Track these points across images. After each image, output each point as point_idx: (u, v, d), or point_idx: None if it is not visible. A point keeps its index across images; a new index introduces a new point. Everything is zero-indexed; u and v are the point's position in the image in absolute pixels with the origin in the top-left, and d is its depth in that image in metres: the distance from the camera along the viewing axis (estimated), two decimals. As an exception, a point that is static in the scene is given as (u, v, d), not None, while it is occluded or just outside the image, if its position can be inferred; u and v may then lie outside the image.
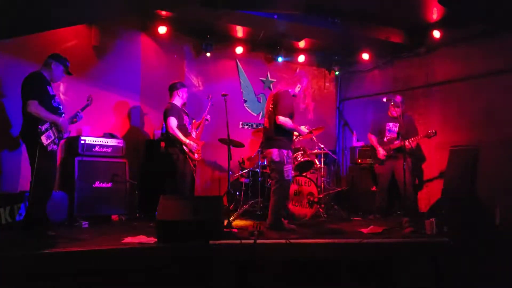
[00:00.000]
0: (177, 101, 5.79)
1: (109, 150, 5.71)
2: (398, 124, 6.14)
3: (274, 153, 5.03)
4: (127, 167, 5.81)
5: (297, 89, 5.31)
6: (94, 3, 3.93)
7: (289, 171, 5.04)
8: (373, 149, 6.40)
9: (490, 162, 5.97)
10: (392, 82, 7.66)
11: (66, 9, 4.03)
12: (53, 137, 4.34)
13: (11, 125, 5.11)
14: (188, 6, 5.54)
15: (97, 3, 3.95)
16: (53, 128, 4.35)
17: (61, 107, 4.51)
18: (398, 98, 6.01)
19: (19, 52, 5.24)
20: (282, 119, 4.97)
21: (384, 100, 5.84)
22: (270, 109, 5.18)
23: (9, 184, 5.13)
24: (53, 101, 4.42)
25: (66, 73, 4.66)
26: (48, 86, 4.42)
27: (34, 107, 4.19)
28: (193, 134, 5.87)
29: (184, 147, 5.58)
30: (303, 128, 5.31)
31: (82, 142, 5.46)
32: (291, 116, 5.06)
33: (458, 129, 6.50)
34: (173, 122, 5.56)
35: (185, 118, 5.79)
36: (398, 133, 6.16)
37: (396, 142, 6.10)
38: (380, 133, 6.35)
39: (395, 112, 6.02)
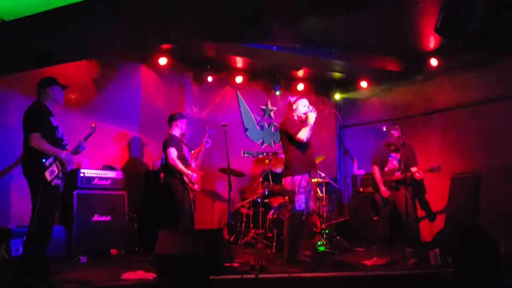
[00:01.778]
0: (176, 132, 5.80)
1: (108, 182, 5.67)
2: (398, 154, 6.10)
3: (287, 181, 5.00)
4: (126, 200, 5.77)
5: (298, 112, 5.17)
6: (98, 42, 3.97)
7: (301, 201, 4.88)
8: (374, 180, 6.33)
9: (492, 190, 5.91)
10: (391, 110, 7.67)
11: (70, 48, 4.07)
12: (56, 172, 4.14)
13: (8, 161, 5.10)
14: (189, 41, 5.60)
15: (101, 43, 3.99)
16: (56, 162, 4.15)
17: (64, 138, 4.34)
18: (395, 133, 5.96)
19: (19, 85, 5.26)
20: (300, 135, 4.92)
21: (384, 129, 5.84)
22: (280, 141, 5.22)
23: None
24: (56, 132, 4.24)
25: (63, 89, 4.42)
26: (50, 117, 4.23)
27: (37, 140, 4.01)
28: (193, 165, 5.85)
29: (185, 178, 5.56)
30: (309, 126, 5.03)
31: (81, 175, 5.43)
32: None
33: (459, 156, 6.46)
34: (173, 152, 5.56)
35: (185, 148, 5.80)
36: (399, 163, 6.11)
37: (398, 173, 6.04)
38: (382, 164, 6.30)
39: (395, 143, 6.02)
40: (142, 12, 3.60)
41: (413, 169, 5.88)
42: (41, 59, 4.38)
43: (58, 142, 4.24)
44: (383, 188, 6.13)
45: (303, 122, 5.09)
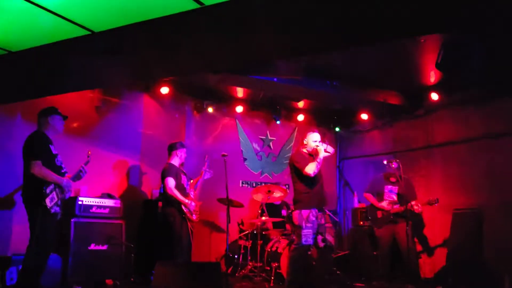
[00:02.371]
0: (175, 161, 5.79)
1: (106, 211, 5.60)
2: (397, 187, 6.06)
3: (295, 216, 4.99)
4: (124, 229, 5.68)
5: (308, 147, 5.14)
6: (101, 75, 4.02)
7: (308, 235, 4.83)
8: (371, 210, 6.26)
9: (495, 226, 5.86)
10: (392, 143, 7.68)
11: (73, 79, 4.11)
12: (56, 199, 4.19)
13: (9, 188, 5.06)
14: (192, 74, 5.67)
15: (104, 76, 4.03)
16: (56, 189, 4.22)
17: (63, 166, 4.42)
18: (395, 165, 5.94)
19: (21, 112, 5.27)
20: (307, 169, 4.92)
21: (385, 162, 5.83)
22: (290, 175, 5.23)
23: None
24: (56, 160, 4.33)
25: (64, 119, 4.52)
26: (50, 145, 4.33)
27: (38, 168, 4.09)
28: (191, 194, 5.81)
29: (183, 207, 5.51)
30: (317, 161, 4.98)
31: (80, 202, 5.37)
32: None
33: (460, 191, 6.43)
34: (171, 182, 5.53)
35: (183, 178, 5.77)
36: (398, 196, 6.06)
37: (396, 206, 5.99)
38: (378, 195, 6.25)
39: (394, 176, 5.99)
40: (146, 46, 3.64)
41: (413, 202, 5.83)
42: (45, 89, 4.42)
43: (58, 170, 4.31)
44: (384, 204, 6.05)
45: (313, 156, 5.06)
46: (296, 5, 3.11)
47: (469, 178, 6.37)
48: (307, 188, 5.00)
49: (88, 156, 4.80)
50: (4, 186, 5.04)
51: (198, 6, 3.22)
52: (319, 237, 5.14)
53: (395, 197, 6.10)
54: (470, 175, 6.37)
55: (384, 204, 6.06)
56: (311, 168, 4.91)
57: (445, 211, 6.39)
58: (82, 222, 5.34)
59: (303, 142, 5.25)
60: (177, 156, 5.82)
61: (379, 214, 6.13)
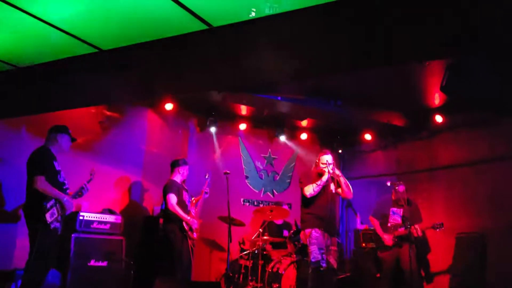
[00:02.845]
0: (177, 178, 5.78)
1: (107, 227, 5.57)
2: (402, 210, 6.02)
3: (301, 236, 5.04)
4: (124, 245, 5.64)
5: (324, 168, 5.02)
6: (106, 92, 4.04)
7: (314, 252, 4.76)
8: (376, 233, 6.23)
9: (498, 250, 5.81)
10: (395, 164, 7.65)
11: (78, 95, 4.14)
12: (56, 215, 4.23)
13: (6, 201, 5.03)
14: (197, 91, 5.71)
15: (109, 92, 4.05)
16: (57, 205, 4.25)
17: (66, 182, 4.46)
18: (401, 188, 5.90)
19: (26, 126, 5.29)
20: (306, 189, 4.94)
21: (388, 184, 5.80)
22: (292, 194, 5.22)
23: (1, 261, 4.96)
24: (59, 176, 4.38)
25: (72, 141, 4.63)
26: (54, 161, 4.39)
27: (41, 183, 4.14)
28: (192, 212, 5.78)
29: (184, 224, 5.48)
30: (318, 182, 4.94)
31: (81, 218, 5.35)
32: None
33: (463, 214, 6.38)
34: (172, 199, 5.51)
35: (185, 194, 5.75)
36: (402, 219, 6.01)
37: (401, 229, 5.93)
38: (383, 218, 6.20)
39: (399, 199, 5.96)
40: (153, 64, 3.66)
41: (416, 225, 5.78)
42: (51, 104, 4.46)
43: (60, 186, 4.36)
44: (386, 237, 6.00)
45: (320, 176, 5.03)
46: (302, 28, 3.13)
47: (473, 201, 6.33)
48: (310, 208, 4.99)
49: (91, 175, 4.87)
50: (8, 200, 5.03)
51: (206, 27, 3.24)
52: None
53: (399, 220, 6.04)
54: (474, 198, 6.33)
55: (386, 237, 6.00)
56: (308, 189, 4.92)
57: (448, 234, 6.33)
58: (82, 238, 5.31)
59: (312, 161, 5.27)
60: (179, 173, 5.81)
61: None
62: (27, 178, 4.25)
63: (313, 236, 4.82)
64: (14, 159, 4.79)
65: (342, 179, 5.08)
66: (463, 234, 6.20)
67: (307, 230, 4.88)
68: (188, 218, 5.51)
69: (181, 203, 5.59)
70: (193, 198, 5.96)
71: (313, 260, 4.76)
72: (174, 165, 5.86)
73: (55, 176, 4.33)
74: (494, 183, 6.13)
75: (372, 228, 6.57)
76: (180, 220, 5.48)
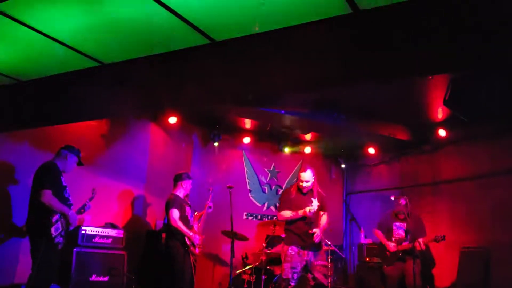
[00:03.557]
0: (180, 192, 5.72)
1: (109, 241, 5.54)
2: (405, 224, 5.96)
3: (279, 249, 4.96)
4: (126, 260, 5.60)
5: (299, 183, 5.06)
6: (109, 105, 4.06)
7: (286, 270, 4.76)
8: (381, 247, 6.15)
9: (503, 265, 5.73)
10: (399, 178, 7.62)
11: (81, 109, 4.16)
12: (60, 229, 4.24)
13: (13, 215, 5.02)
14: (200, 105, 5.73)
15: (112, 106, 4.07)
16: (62, 219, 4.27)
17: (70, 198, 4.47)
18: (403, 201, 5.86)
19: (29, 140, 5.29)
20: (281, 214, 4.99)
21: (392, 198, 5.75)
22: None
23: (5, 276, 4.93)
24: (65, 191, 4.39)
25: (78, 165, 4.67)
26: (61, 176, 4.41)
27: (48, 197, 4.14)
28: (195, 227, 5.73)
29: (186, 240, 5.42)
30: (292, 213, 4.93)
31: (83, 232, 5.33)
32: (289, 208, 4.94)
33: (468, 228, 6.32)
34: (175, 214, 5.45)
35: (187, 209, 5.69)
36: (406, 233, 5.95)
37: (405, 243, 5.86)
38: (387, 231, 6.14)
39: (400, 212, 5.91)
40: (155, 78, 3.67)
41: (420, 239, 5.71)
42: (54, 118, 4.48)
43: (65, 201, 4.37)
44: (390, 244, 5.92)
45: (301, 191, 5.02)
46: (304, 41, 3.13)
47: (477, 216, 6.28)
48: (288, 224, 4.99)
49: (93, 192, 4.91)
50: (11, 214, 5.01)
51: (207, 41, 3.26)
52: (309, 275, 5.10)
53: (403, 234, 5.98)
54: (478, 213, 6.28)
55: (390, 244, 5.94)
56: (283, 215, 4.96)
57: (452, 249, 6.27)
58: (84, 252, 5.28)
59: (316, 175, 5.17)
60: (182, 187, 5.76)
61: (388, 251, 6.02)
62: (31, 192, 4.26)
63: (288, 254, 4.82)
64: (17, 173, 4.77)
65: (324, 221, 5.08)
66: (467, 248, 6.14)
67: (285, 247, 4.87)
68: (191, 233, 5.46)
69: (183, 218, 5.54)
70: (196, 213, 5.92)
71: (284, 277, 4.78)
72: (177, 179, 5.82)
73: (62, 191, 4.34)
74: (497, 197, 6.09)
75: (376, 242, 6.50)
76: (182, 235, 5.42)
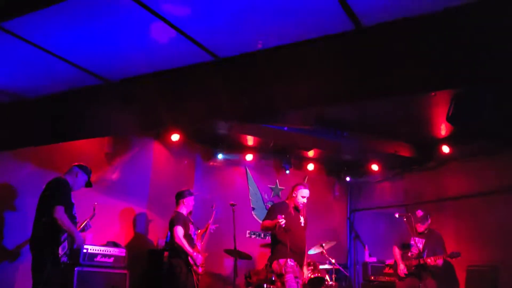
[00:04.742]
0: (183, 210, 5.68)
1: (111, 260, 5.49)
2: (424, 240, 5.85)
3: (274, 266, 4.86)
4: (128, 279, 5.53)
5: (296, 200, 5.03)
6: (112, 124, 4.06)
7: (290, 280, 4.68)
8: (395, 263, 6.05)
9: (511, 283, 5.63)
10: (403, 195, 7.57)
11: (85, 127, 4.17)
12: (66, 249, 4.14)
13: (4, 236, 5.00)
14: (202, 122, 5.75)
15: (115, 124, 4.07)
16: (69, 238, 4.15)
17: (76, 216, 4.37)
18: (419, 213, 5.79)
19: (32, 159, 5.30)
20: (261, 224, 4.95)
21: (397, 215, 5.68)
22: None
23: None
24: (73, 209, 4.29)
25: (86, 185, 4.58)
26: (70, 193, 4.32)
27: (61, 213, 4.02)
28: (198, 245, 5.68)
29: (189, 259, 5.36)
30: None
31: (85, 251, 5.28)
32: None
33: (474, 246, 6.23)
34: (180, 231, 5.40)
35: (191, 227, 5.65)
36: (423, 249, 5.83)
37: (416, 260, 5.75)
38: (405, 247, 6.03)
39: (419, 227, 5.82)
40: (159, 95, 3.68)
41: (437, 256, 5.59)
42: (58, 136, 4.47)
43: (72, 219, 4.25)
44: (401, 267, 5.83)
45: (296, 209, 5.01)
46: (307, 57, 3.14)
47: (483, 233, 6.21)
48: (281, 239, 4.85)
49: (93, 210, 4.85)
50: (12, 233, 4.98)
51: (212, 58, 3.27)
52: None
53: (421, 248, 5.86)
54: (484, 230, 6.21)
55: (400, 266, 5.84)
56: (263, 225, 4.92)
57: (458, 267, 6.17)
58: (85, 271, 5.23)
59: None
60: (184, 204, 5.72)
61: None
62: (39, 207, 4.16)
63: (289, 265, 4.74)
64: (20, 190, 4.72)
65: None
66: (474, 267, 6.04)
67: (281, 260, 4.76)
68: (194, 253, 5.40)
69: (187, 236, 5.49)
70: (199, 230, 5.87)
71: None
72: (179, 196, 5.78)
73: (71, 208, 4.24)
74: (503, 214, 6.03)
75: (381, 260, 6.41)
76: (185, 254, 5.37)
